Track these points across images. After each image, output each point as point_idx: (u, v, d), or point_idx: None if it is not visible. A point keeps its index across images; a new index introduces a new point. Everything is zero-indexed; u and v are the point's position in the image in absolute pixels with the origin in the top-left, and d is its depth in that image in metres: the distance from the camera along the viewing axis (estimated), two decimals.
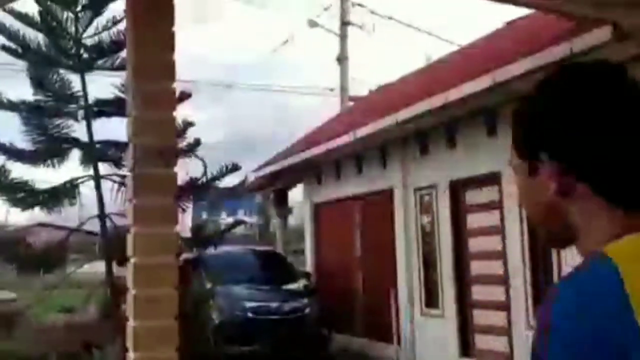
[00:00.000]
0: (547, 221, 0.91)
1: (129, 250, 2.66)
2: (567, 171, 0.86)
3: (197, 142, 4.92)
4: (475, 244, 7.62)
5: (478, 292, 7.61)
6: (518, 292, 6.72)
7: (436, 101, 7.04)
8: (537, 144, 0.89)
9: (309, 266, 11.68)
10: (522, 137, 0.92)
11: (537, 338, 0.82)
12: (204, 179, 4.97)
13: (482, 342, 7.50)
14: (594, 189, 0.85)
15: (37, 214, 5.29)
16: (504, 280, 6.95)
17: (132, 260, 2.63)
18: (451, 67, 9.52)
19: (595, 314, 0.78)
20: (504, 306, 6.97)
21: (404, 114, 7.68)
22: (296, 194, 13.81)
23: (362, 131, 8.68)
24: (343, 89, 16.75)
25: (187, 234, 5.79)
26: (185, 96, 4.79)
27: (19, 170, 4.60)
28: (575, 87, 0.88)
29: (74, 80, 4.62)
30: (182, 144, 4.89)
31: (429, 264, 8.45)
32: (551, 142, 0.87)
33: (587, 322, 0.78)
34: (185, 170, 5.02)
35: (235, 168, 5.06)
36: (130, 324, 2.59)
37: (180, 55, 2.73)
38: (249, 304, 8.81)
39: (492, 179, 7.16)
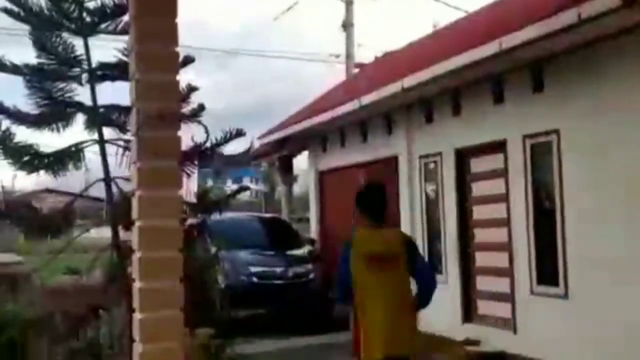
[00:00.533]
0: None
1: (134, 214, 2.69)
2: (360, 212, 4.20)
3: (202, 107, 4.90)
4: (479, 212, 7.63)
5: (482, 259, 7.65)
6: (521, 259, 6.76)
7: (441, 68, 6.98)
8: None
9: (313, 233, 11.76)
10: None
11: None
12: (208, 145, 4.97)
13: (485, 307, 7.58)
14: (365, 215, 4.27)
15: (43, 180, 5.31)
16: (507, 248, 6.98)
17: (137, 223, 2.65)
18: (458, 33, 9.40)
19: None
20: (507, 273, 7.02)
21: (409, 80, 7.62)
22: (302, 162, 13.81)
23: (367, 98, 8.63)
24: (349, 55, 16.60)
25: (193, 199, 5.82)
26: (189, 60, 4.77)
27: (23, 134, 4.61)
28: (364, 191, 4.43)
29: (77, 44, 4.60)
30: (186, 109, 4.89)
31: (433, 231, 8.48)
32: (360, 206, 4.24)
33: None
34: (190, 135, 5.02)
35: (239, 134, 5.05)
36: (136, 285, 2.63)
37: (183, 21, 2.72)
38: (254, 269, 8.91)
39: (498, 147, 7.13)
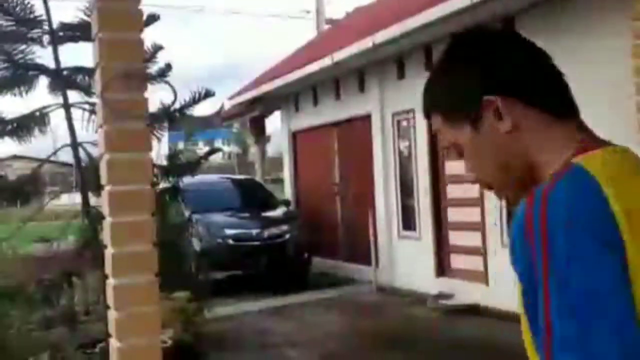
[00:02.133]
0: (510, 170, 0.97)
1: (103, 179, 2.62)
2: (513, 102, 0.96)
3: (169, 67, 4.76)
4: (452, 168, 7.69)
5: (454, 215, 7.75)
6: (492, 213, 6.86)
7: (413, 22, 6.90)
8: (486, 89, 0.97)
9: (288, 193, 11.75)
10: (462, 94, 1.00)
11: (532, 249, 0.86)
12: (177, 106, 4.86)
13: (458, 262, 7.72)
14: (542, 106, 0.97)
15: (11, 148, 5.17)
16: (479, 203, 7.07)
17: (107, 188, 2.59)
18: None
19: (587, 217, 0.84)
20: (479, 227, 7.13)
21: (380, 36, 7.54)
22: (274, 122, 13.70)
23: (339, 55, 8.53)
24: (319, 12, 16.33)
25: (164, 162, 5.72)
26: (153, 19, 4.61)
27: None
28: (498, 39, 1.07)
29: (37, 3, 4.41)
30: (153, 69, 4.76)
31: (407, 187, 8.54)
32: (496, 81, 0.97)
33: (583, 225, 0.83)
34: (159, 97, 4.91)
35: (208, 94, 4.94)
36: (109, 251, 2.58)
37: None
38: (229, 231, 8.89)
39: None
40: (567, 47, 5.89)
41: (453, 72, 1.02)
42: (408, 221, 8.53)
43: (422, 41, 7.50)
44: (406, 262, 8.49)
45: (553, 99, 0.98)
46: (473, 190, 7.14)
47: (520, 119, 0.96)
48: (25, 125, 4.51)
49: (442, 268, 7.89)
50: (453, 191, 7.73)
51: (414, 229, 8.38)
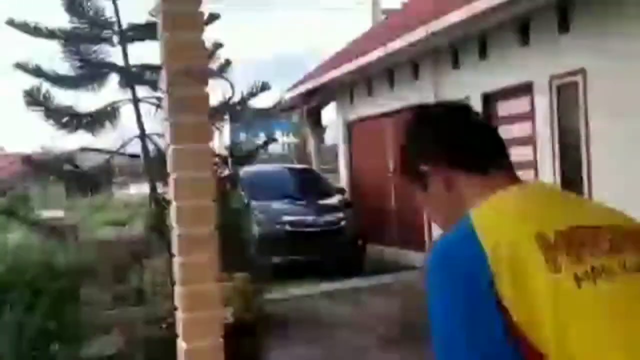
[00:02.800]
0: (455, 217, 1.17)
1: (169, 167, 2.88)
2: (447, 170, 1.22)
3: (228, 63, 5.04)
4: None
5: None
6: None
7: (467, 12, 6.93)
8: (424, 162, 1.25)
9: (343, 182, 11.94)
10: (409, 164, 1.29)
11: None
12: (236, 100, 5.13)
13: None
14: (465, 168, 1.22)
15: (82, 139, 5.58)
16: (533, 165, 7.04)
17: (172, 175, 2.85)
18: None
19: (453, 255, 1.07)
20: None
21: (435, 25, 7.60)
22: (331, 113, 13.89)
23: (393, 45, 8.63)
24: (374, 2, 16.35)
25: (225, 153, 6.03)
26: (213, 18, 4.88)
27: (62, 96, 4.84)
28: (427, 124, 1.31)
29: (107, 6, 4.75)
30: (214, 65, 5.03)
31: None
32: (433, 156, 1.24)
33: (447, 263, 1.07)
34: (221, 91, 5.17)
35: (264, 87, 5.18)
36: (175, 232, 2.84)
37: None
38: (286, 218, 9.18)
39: (524, 89, 7.13)
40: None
41: (404, 149, 1.33)
42: None
43: (477, 30, 7.52)
44: None
45: (469, 160, 1.21)
46: (528, 177, 7.13)
47: (452, 180, 1.21)
48: (98, 119, 4.88)
49: None
50: None
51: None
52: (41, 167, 4.84)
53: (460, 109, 1.34)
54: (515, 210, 1.10)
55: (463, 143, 1.24)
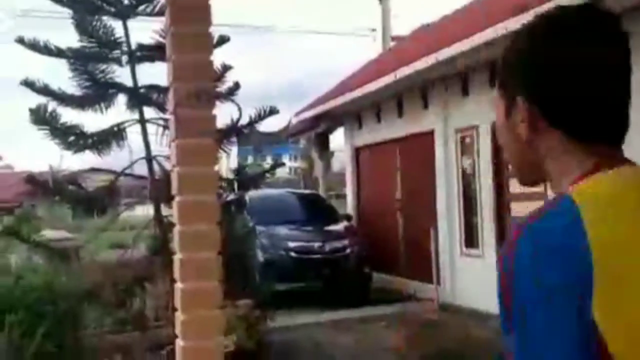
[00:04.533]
0: (521, 162, 0.99)
1: (173, 189, 2.82)
2: (539, 115, 0.93)
3: (237, 86, 5.01)
4: (516, 185, 7.59)
5: None
6: None
7: (476, 40, 6.91)
8: (515, 87, 0.95)
9: (350, 208, 11.86)
10: (503, 78, 0.99)
11: (502, 283, 0.86)
12: (244, 123, 5.09)
13: None
14: (559, 124, 0.92)
15: (89, 160, 5.55)
16: None
17: (177, 198, 2.78)
18: (494, 4, 9.25)
19: (553, 263, 0.82)
20: None
21: (444, 53, 7.58)
22: (339, 138, 13.88)
23: (403, 71, 8.61)
24: (385, 29, 16.46)
25: (231, 176, 5.97)
26: (223, 40, 4.87)
27: (69, 115, 4.81)
28: (552, 37, 0.93)
29: (117, 26, 4.75)
30: (222, 87, 5.01)
31: (469, 205, 8.48)
32: (527, 87, 0.94)
33: (545, 271, 0.82)
34: (229, 114, 5.15)
35: (272, 111, 5.15)
36: (177, 257, 2.76)
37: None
38: (292, 244, 9.08)
39: None
40: None
41: (518, 51, 0.97)
42: (470, 239, 8.46)
43: (486, 58, 7.49)
44: (468, 280, 8.40)
45: (580, 124, 0.91)
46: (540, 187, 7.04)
47: (540, 134, 0.94)
48: (104, 140, 4.85)
49: None
50: (517, 209, 7.62)
51: (477, 247, 8.29)
52: (45, 187, 4.79)
53: (616, 38, 0.93)
54: (629, 204, 0.84)
55: (584, 97, 0.90)
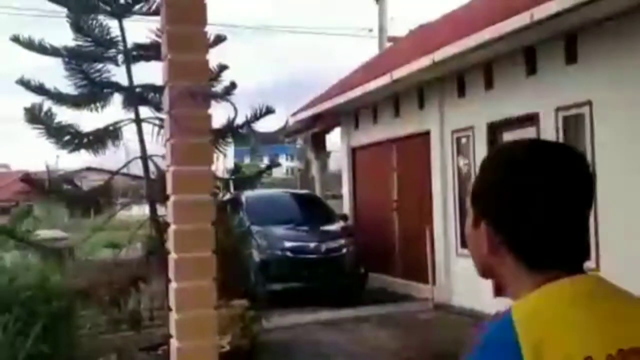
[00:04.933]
0: (482, 268, 1.10)
1: (168, 189, 2.81)
2: (495, 234, 1.02)
3: (233, 85, 5.01)
4: None
5: None
6: None
7: (472, 41, 6.92)
8: (478, 209, 1.06)
9: (346, 208, 11.86)
10: (472, 199, 1.09)
11: None
12: (240, 123, 5.08)
13: None
14: (514, 251, 1.01)
15: (87, 159, 5.54)
16: None
17: (172, 198, 2.78)
18: (491, 5, 9.27)
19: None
20: None
21: (440, 54, 7.58)
22: (336, 138, 13.89)
23: (399, 72, 8.62)
24: (381, 29, 16.47)
25: (227, 176, 5.97)
26: (220, 40, 4.86)
27: (64, 115, 4.80)
28: (510, 169, 1.02)
29: (113, 25, 4.74)
30: (218, 87, 5.01)
31: (465, 205, 8.48)
32: (489, 214, 1.03)
33: None
34: (226, 114, 5.13)
35: (269, 111, 5.14)
36: (172, 257, 2.76)
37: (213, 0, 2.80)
38: (288, 244, 9.07)
39: (530, 120, 7.07)
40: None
41: (481, 178, 1.07)
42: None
43: (483, 59, 7.50)
44: (463, 280, 8.41)
45: (536, 254, 0.99)
46: None
47: (498, 256, 1.02)
48: (99, 139, 4.84)
49: (500, 288, 7.77)
50: None
51: None
52: (40, 186, 4.78)
53: (560, 170, 0.99)
54: (564, 321, 0.93)
55: (540, 230, 0.98)
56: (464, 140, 8.52)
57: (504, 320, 0.96)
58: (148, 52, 4.77)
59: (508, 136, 7.67)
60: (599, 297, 0.97)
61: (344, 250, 9.31)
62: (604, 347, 0.91)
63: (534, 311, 0.95)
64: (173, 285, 2.73)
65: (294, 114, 12.58)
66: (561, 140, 6.64)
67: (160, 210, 4.99)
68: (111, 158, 5.86)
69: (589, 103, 6.19)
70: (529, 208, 0.98)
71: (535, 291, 0.97)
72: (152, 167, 5.05)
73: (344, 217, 10.95)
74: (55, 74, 4.94)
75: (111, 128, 4.83)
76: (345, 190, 12.05)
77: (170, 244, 2.79)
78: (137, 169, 5.31)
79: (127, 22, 4.87)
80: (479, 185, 1.07)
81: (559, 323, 0.93)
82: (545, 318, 0.93)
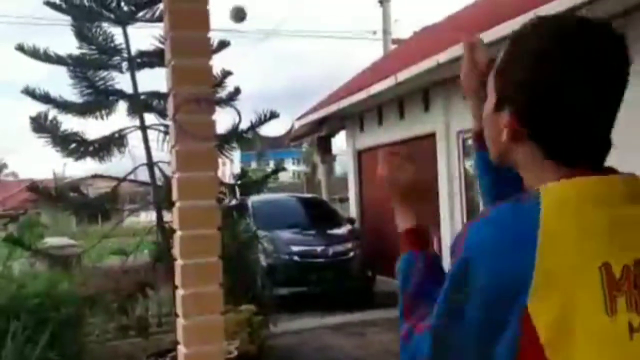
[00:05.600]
0: (497, 155, 1.04)
1: (174, 195, 2.81)
2: (519, 123, 0.95)
3: (237, 91, 5.01)
4: None
5: None
6: None
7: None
8: (505, 93, 0.97)
9: (353, 212, 11.84)
10: (496, 77, 1.00)
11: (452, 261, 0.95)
12: (245, 128, 5.09)
13: None
14: (539, 142, 0.95)
15: (95, 167, 5.56)
16: None
17: (177, 204, 2.78)
18: (495, 5, 9.25)
19: (500, 252, 0.87)
20: None
21: (444, 56, 7.57)
22: (342, 141, 13.89)
23: (403, 74, 8.61)
24: (386, 32, 16.47)
25: (233, 181, 5.97)
26: (224, 45, 4.87)
27: (69, 123, 4.82)
28: (540, 47, 0.92)
29: (117, 33, 4.76)
30: (222, 93, 5.01)
31: (472, 206, 8.46)
32: (511, 96, 0.96)
33: (489, 260, 0.87)
34: (231, 120, 5.14)
35: (273, 115, 5.14)
36: (178, 263, 2.76)
37: (221, 3, 2.81)
38: (295, 248, 9.07)
39: None
40: None
41: (502, 65, 0.99)
42: None
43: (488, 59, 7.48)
44: None
45: (559, 144, 0.93)
46: None
47: (518, 144, 0.97)
48: (105, 146, 4.85)
49: None
50: None
51: None
52: (47, 194, 4.79)
53: (615, 54, 0.91)
54: (588, 218, 0.87)
55: (568, 119, 0.90)
56: (470, 141, 8.50)
57: (532, 202, 0.88)
58: (152, 58, 4.79)
59: None
60: (627, 199, 0.90)
61: (351, 254, 9.30)
62: (623, 255, 0.86)
63: (562, 202, 0.88)
64: (180, 291, 2.73)
65: (299, 118, 12.59)
66: None
67: (167, 217, 5.00)
68: (118, 165, 5.87)
69: None
70: (565, 89, 0.90)
71: (567, 180, 0.90)
72: (158, 174, 5.06)
73: (351, 221, 10.93)
74: (61, 82, 4.96)
75: (116, 135, 4.84)
76: (352, 193, 12.03)
77: (176, 250, 2.79)
78: (144, 175, 5.33)
79: (131, 29, 4.89)
80: (508, 59, 0.96)
81: (582, 222, 0.86)
82: (570, 213, 0.87)
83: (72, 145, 4.69)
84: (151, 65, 4.87)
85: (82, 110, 4.77)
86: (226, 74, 5.02)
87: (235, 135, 5.18)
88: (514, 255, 0.85)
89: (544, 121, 0.93)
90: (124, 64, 4.84)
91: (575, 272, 0.84)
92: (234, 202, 5.97)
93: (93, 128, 5.19)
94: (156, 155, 4.96)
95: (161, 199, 4.85)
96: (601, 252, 0.85)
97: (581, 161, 0.93)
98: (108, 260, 6.26)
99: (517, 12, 6.29)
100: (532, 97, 0.93)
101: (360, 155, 11.73)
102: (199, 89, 2.78)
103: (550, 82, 0.91)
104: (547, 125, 0.93)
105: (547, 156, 0.94)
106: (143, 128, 4.92)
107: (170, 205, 4.39)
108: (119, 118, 5.09)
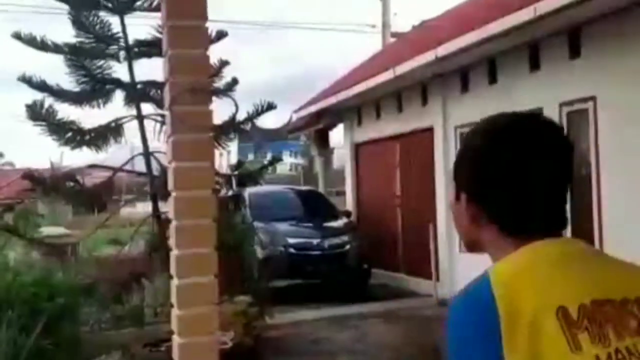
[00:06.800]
0: (466, 239, 1.14)
1: (170, 185, 2.80)
2: (476, 207, 1.07)
3: (235, 81, 5.00)
4: None
5: None
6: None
7: (475, 36, 6.89)
8: (459, 182, 1.11)
9: (349, 205, 11.85)
10: (453, 172, 1.14)
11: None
12: (242, 119, 5.08)
13: None
14: (493, 220, 1.05)
15: (90, 156, 5.53)
16: None
17: (173, 194, 2.77)
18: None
19: (469, 344, 0.96)
20: None
21: (443, 49, 7.56)
22: (339, 135, 13.87)
23: (402, 68, 8.59)
24: (385, 25, 16.43)
25: (229, 172, 5.97)
26: (222, 35, 4.85)
27: (66, 111, 4.79)
28: (488, 139, 1.06)
29: (114, 22, 4.73)
30: (220, 83, 5.00)
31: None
32: (468, 186, 1.08)
33: (460, 333, 0.98)
34: (229, 111, 5.12)
35: (270, 107, 5.13)
36: (174, 253, 2.75)
37: None
38: (291, 240, 9.07)
39: None
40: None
41: (461, 150, 1.12)
42: None
43: (486, 54, 7.46)
44: (467, 276, 8.34)
45: (514, 222, 1.03)
46: None
47: (479, 227, 1.07)
48: (101, 136, 4.83)
49: None
50: None
51: None
52: (42, 183, 4.78)
53: (534, 139, 1.03)
54: (538, 276, 0.97)
55: (517, 198, 1.02)
56: None
57: (482, 280, 1.00)
58: (149, 48, 4.76)
59: None
60: (576, 255, 1.01)
61: (347, 247, 9.30)
62: (577, 297, 0.93)
63: (511, 269, 0.99)
64: (175, 281, 2.72)
65: (297, 111, 12.56)
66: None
67: (164, 207, 4.98)
68: (116, 155, 5.86)
69: (593, 98, 6.15)
70: (506, 177, 1.03)
71: (513, 253, 1.01)
72: (155, 164, 5.05)
73: (347, 214, 10.93)
74: (57, 71, 4.93)
75: (113, 125, 4.82)
76: (349, 186, 12.03)
77: (172, 241, 2.78)
78: (141, 165, 5.31)
79: (129, 19, 4.87)
80: (459, 157, 1.11)
81: (535, 277, 0.96)
82: (522, 274, 0.97)
83: (68, 134, 4.67)
84: (149, 54, 4.85)
85: (78, 98, 4.75)
86: (223, 64, 5.00)
87: (232, 126, 5.16)
88: (483, 345, 0.94)
89: (493, 204, 1.05)
90: (121, 53, 4.81)
91: (535, 326, 0.91)
92: (230, 193, 5.97)
93: (93, 117, 5.18)
94: (153, 145, 4.95)
95: (157, 189, 4.84)
96: (555, 300, 0.93)
97: (537, 235, 1.02)
98: (103, 250, 6.25)
99: (518, 5, 6.28)
100: (480, 187, 1.06)
101: (357, 149, 11.72)
102: (196, 78, 2.76)
103: (490, 174, 1.04)
104: (497, 208, 1.05)
105: (505, 233, 1.04)
106: (140, 118, 4.90)
107: (166, 195, 4.38)
108: (116, 107, 5.08)
